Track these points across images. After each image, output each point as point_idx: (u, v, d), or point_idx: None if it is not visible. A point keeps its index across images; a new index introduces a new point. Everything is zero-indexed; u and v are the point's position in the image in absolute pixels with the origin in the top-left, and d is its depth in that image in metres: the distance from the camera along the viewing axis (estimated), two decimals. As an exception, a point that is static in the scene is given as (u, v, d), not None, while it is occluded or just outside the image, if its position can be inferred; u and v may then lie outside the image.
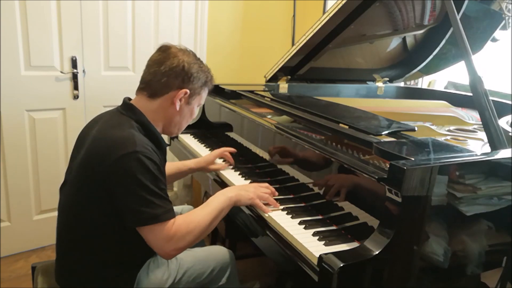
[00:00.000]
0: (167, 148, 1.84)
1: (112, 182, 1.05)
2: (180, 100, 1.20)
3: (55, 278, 1.24)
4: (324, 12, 2.33)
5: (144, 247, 1.18)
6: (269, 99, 1.80)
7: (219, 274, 1.31)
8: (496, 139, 1.10)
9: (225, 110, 1.92)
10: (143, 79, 1.21)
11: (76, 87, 2.27)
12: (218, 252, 1.35)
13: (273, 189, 1.31)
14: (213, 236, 2.18)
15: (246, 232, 1.32)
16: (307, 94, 2.14)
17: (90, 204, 1.11)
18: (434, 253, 1.02)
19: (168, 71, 1.17)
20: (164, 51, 1.20)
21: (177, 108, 1.20)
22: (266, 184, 1.32)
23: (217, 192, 1.24)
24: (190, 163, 1.61)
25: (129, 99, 1.24)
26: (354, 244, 1.03)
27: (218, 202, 1.19)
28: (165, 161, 1.30)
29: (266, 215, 1.21)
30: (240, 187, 1.28)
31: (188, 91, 1.19)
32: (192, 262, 1.28)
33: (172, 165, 1.57)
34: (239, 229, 1.38)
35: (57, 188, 1.25)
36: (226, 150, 1.62)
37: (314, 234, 1.08)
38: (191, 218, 1.12)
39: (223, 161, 1.65)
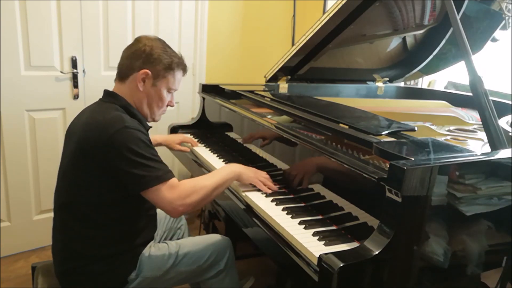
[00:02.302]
0: (168, 148, 1.85)
1: (111, 158, 1.12)
2: (144, 81, 1.27)
3: (53, 264, 1.28)
4: (324, 12, 2.33)
5: (146, 226, 1.30)
6: (269, 99, 1.80)
7: (218, 259, 1.38)
8: (496, 139, 1.10)
9: (225, 110, 1.92)
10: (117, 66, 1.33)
11: (76, 87, 2.27)
12: (216, 239, 1.42)
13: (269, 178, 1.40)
14: (213, 236, 2.18)
15: (246, 232, 1.32)
16: (307, 94, 2.14)
17: (90, 185, 1.17)
18: (434, 253, 1.02)
19: (131, 54, 1.28)
20: (134, 39, 1.33)
21: (140, 88, 1.27)
22: (265, 173, 1.41)
23: (223, 166, 1.36)
24: (158, 138, 1.80)
25: (108, 91, 1.33)
26: (354, 244, 1.03)
27: (223, 172, 1.31)
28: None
29: (271, 215, 1.21)
30: (243, 166, 1.38)
31: (149, 72, 1.26)
32: (192, 246, 1.36)
33: None
34: (239, 228, 1.38)
35: (57, 188, 1.26)
36: (190, 138, 1.88)
37: (314, 234, 1.08)
38: (196, 180, 1.24)
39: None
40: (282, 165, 1.47)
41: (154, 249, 1.31)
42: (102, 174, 1.15)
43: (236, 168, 1.35)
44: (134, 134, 1.14)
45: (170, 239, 1.60)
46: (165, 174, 1.16)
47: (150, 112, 1.34)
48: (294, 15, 3.01)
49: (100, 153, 1.13)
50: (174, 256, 1.32)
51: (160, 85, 1.30)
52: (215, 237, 1.43)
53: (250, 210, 1.28)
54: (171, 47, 1.35)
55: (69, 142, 1.26)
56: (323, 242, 1.04)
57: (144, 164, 1.13)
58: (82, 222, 1.21)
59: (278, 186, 1.41)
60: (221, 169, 1.33)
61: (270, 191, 1.33)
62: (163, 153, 1.42)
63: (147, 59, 1.26)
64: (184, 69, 1.37)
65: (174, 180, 1.18)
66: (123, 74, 1.29)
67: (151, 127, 1.36)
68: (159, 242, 1.47)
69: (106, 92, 1.32)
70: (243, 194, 1.34)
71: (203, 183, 1.23)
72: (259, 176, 1.38)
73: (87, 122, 1.20)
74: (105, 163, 1.13)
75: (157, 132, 2.56)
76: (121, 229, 1.24)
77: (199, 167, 1.74)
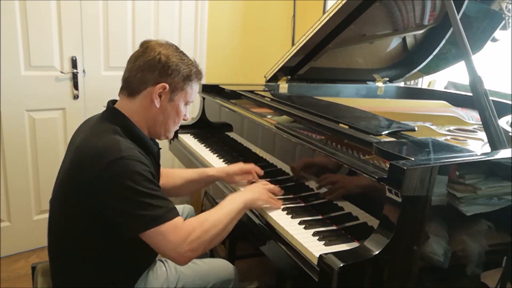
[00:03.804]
0: (169, 148, 1.71)
1: (102, 192, 0.98)
2: (160, 96, 1.10)
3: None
4: (324, 12, 2.33)
5: (140, 258, 1.16)
6: (269, 99, 1.80)
7: None
8: (496, 139, 1.10)
9: (225, 110, 1.92)
10: (122, 77, 1.14)
11: (76, 87, 2.27)
12: (220, 267, 1.29)
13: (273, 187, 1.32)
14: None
15: (246, 232, 1.32)
16: (307, 94, 2.14)
17: (78, 217, 1.05)
18: (434, 253, 1.02)
19: (142, 65, 1.08)
20: (142, 46, 1.14)
21: (157, 105, 1.10)
22: (268, 183, 1.32)
23: (231, 195, 1.20)
24: (209, 171, 1.47)
25: (114, 102, 1.17)
26: (354, 244, 1.03)
27: (234, 204, 1.13)
28: (158, 165, 1.24)
29: (271, 215, 1.20)
30: (252, 190, 1.23)
31: (166, 85, 1.09)
32: (192, 277, 1.22)
33: (191, 171, 1.50)
34: (238, 229, 1.38)
35: (57, 188, 1.25)
36: (254, 169, 1.45)
37: (314, 234, 1.08)
38: (205, 217, 1.06)
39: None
40: (282, 165, 1.47)
41: (151, 276, 1.18)
42: (91, 209, 1.01)
43: (247, 196, 1.18)
44: (131, 166, 0.97)
45: None
46: (167, 214, 0.99)
47: (165, 130, 1.17)
48: (294, 15, 3.01)
49: (89, 186, 0.98)
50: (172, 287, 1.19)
51: (178, 99, 1.14)
52: (219, 265, 1.29)
53: (249, 210, 1.28)
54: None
55: (67, 156, 1.13)
56: (323, 242, 1.04)
57: (141, 202, 0.96)
58: (69, 253, 1.10)
59: (278, 185, 1.42)
60: (231, 201, 1.15)
61: (280, 205, 1.24)
62: (163, 153, 1.41)
63: (164, 71, 1.08)
64: (201, 78, 1.20)
65: (178, 220, 1.00)
66: (133, 89, 1.10)
67: (160, 148, 1.22)
68: None
69: (108, 108, 1.14)
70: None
71: (212, 218, 1.05)
72: (267, 193, 1.24)
73: (81, 144, 1.06)
74: (93, 199, 0.99)
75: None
76: (117, 264, 1.10)
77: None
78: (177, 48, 1.16)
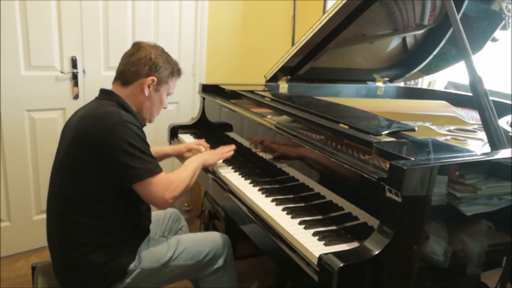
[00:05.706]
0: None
1: (106, 149, 1.17)
2: (149, 86, 1.35)
3: (52, 263, 1.29)
4: (324, 12, 2.33)
5: (141, 217, 1.35)
6: (269, 99, 1.80)
7: (216, 256, 1.43)
8: (496, 139, 1.11)
9: (225, 110, 1.92)
10: (117, 70, 1.38)
11: (76, 87, 2.27)
12: (215, 236, 1.47)
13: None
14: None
15: (246, 232, 1.32)
16: (307, 94, 2.14)
17: (83, 175, 1.21)
18: (434, 253, 1.02)
19: (137, 61, 1.33)
20: (135, 46, 1.38)
21: (146, 93, 1.34)
22: (224, 148, 1.59)
23: (190, 158, 1.47)
24: (166, 149, 1.74)
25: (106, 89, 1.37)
26: (354, 244, 1.03)
27: (193, 163, 1.42)
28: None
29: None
30: (205, 153, 1.57)
31: (155, 78, 1.34)
32: (191, 242, 1.41)
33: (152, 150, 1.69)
34: (239, 228, 1.38)
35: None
36: (200, 143, 1.75)
37: (314, 234, 1.08)
38: (179, 173, 1.34)
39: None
40: (281, 165, 1.47)
41: (153, 242, 1.37)
42: (96, 165, 1.19)
43: (200, 157, 1.48)
44: (131, 128, 1.20)
45: None
46: (156, 168, 1.23)
47: (150, 115, 1.42)
48: (294, 15, 3.01)
49: (97, 144, 1.17)
50: (173, 249, 1.36)
51: (163, 91, 1.39)
52: (214, 234, 1.48)
53: (250, 210, 1.28)
54: (171, 48, 1.41)
55: (64, 138, 1.29)
56: (323, 242, 1.04)
57: (138, 157, 1.19)
58: (77, 211, 1.23)
59: (278, 185, 1.42)
60: (190, 162, 1.43)
61: (231, 153, 1.57)
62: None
63: (154, 67, 1.33)
64: (180, 75, 1.46)
65: (163, 174, 1.25)
66: (127, 79, 1.34)
67: (145, 124, 1.40)
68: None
69: (102, 90, 1.36)
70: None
71: (183, 175, 1.33)
72: (221, 152, 1.56)
73: (83, 116, 1.25)
74: (101, 155, 1.18)
75: (157, 132, 2.56)
76: (116, 219, 1.26)
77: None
78: (163, 49, 1.41)
